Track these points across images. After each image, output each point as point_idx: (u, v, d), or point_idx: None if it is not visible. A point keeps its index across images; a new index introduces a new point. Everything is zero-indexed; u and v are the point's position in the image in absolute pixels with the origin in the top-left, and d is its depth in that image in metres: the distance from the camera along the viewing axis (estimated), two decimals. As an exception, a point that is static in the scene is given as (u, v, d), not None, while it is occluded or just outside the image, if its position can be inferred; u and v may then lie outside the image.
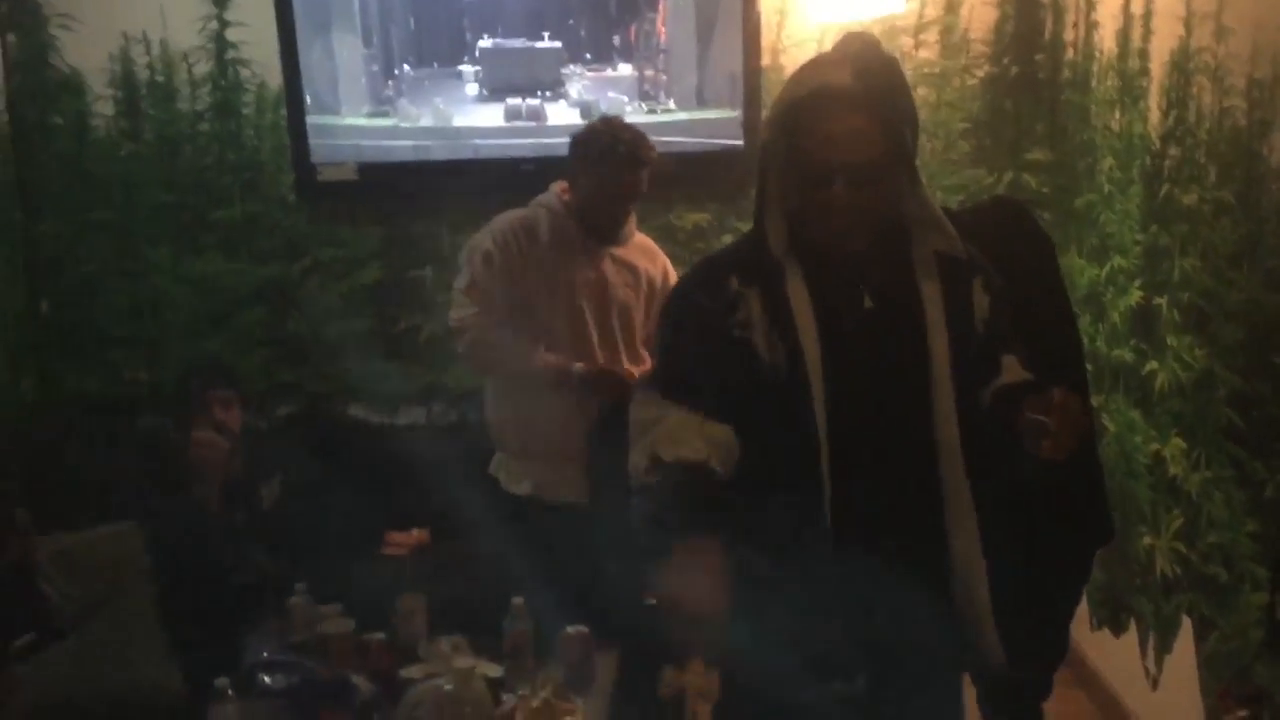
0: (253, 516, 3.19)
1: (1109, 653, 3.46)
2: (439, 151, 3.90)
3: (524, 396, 2.97)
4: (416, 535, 3.72)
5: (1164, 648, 3.05)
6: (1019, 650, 1.84)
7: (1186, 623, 2.91)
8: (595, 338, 2.96)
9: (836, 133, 1.69)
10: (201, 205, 3.90)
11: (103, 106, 3.85)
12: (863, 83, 1.70)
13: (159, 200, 3.88)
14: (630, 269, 3.04)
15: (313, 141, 3.85)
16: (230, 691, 2.19)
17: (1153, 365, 3.04)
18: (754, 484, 1.78)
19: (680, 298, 1.93)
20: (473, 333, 2.92)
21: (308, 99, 3.83)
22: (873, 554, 1.77)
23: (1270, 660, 2.49)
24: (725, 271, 1.82)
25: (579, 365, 2.90)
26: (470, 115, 3.91)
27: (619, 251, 3.03)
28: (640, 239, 3.11)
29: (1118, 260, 3.29)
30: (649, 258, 3.10)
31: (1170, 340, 2.93)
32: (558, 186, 3.01)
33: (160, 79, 3.84)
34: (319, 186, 3.88)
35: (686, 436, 1.74)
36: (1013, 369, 1.81)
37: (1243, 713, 2.60)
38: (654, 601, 1.82)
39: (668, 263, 3.15)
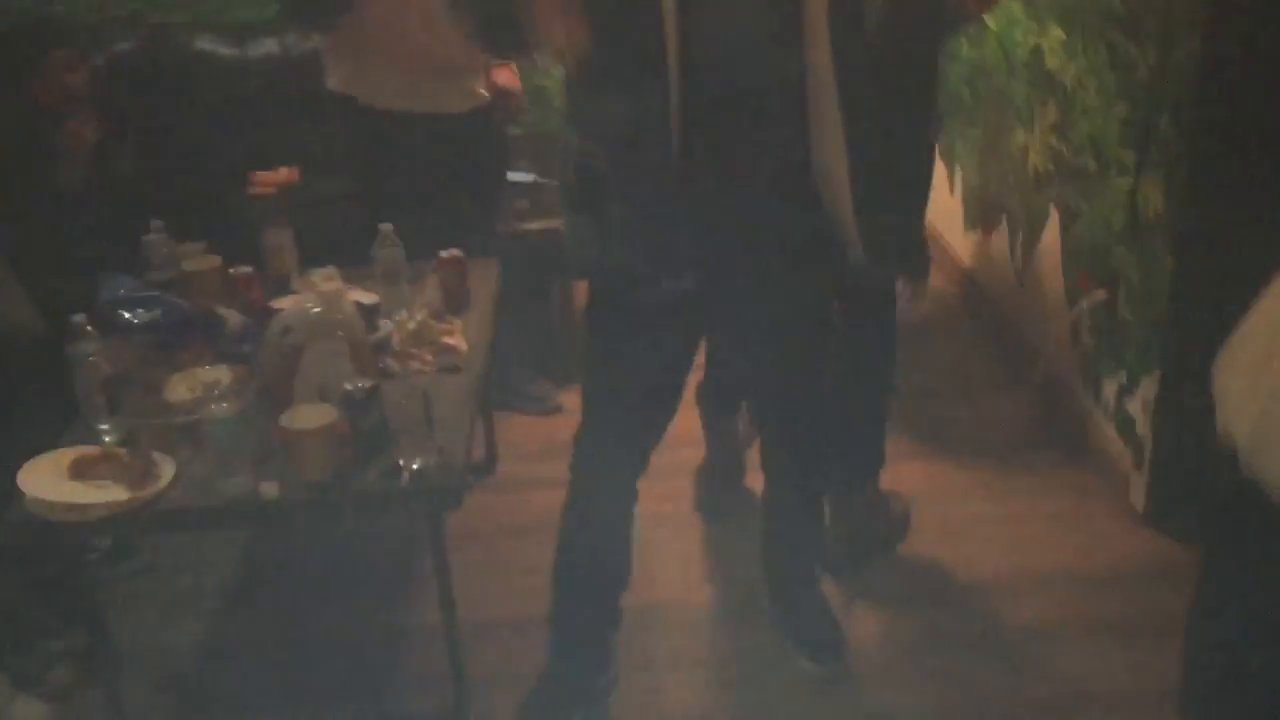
0: (107, 180, 2.98)
1: (978, 253, 3.55)
2: None
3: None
4: (284, 173, 3.56)
5: (1032, 242, 3.13)
6: (878, 247, 1.84)
7: (1053, 216, 2.98)
8: None
9: None
10: None
11: None
12: None
13: None
14: None
15: None
16: (90, 328, 2.12)
17: (1035, -47, 2.93)
18: (599, 83, 1.69)
19: None
20: None
21: None
22: (726, 147, 1.71)
23: (1128, 242, 2.56)
24: None
25: None
26: None
27: None
28: None
29: None
30: None
31: (1054, -77, 2.81)
32: None
33: None
34: None
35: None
36: None
37: (1100, 292, 2.70)
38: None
39: None
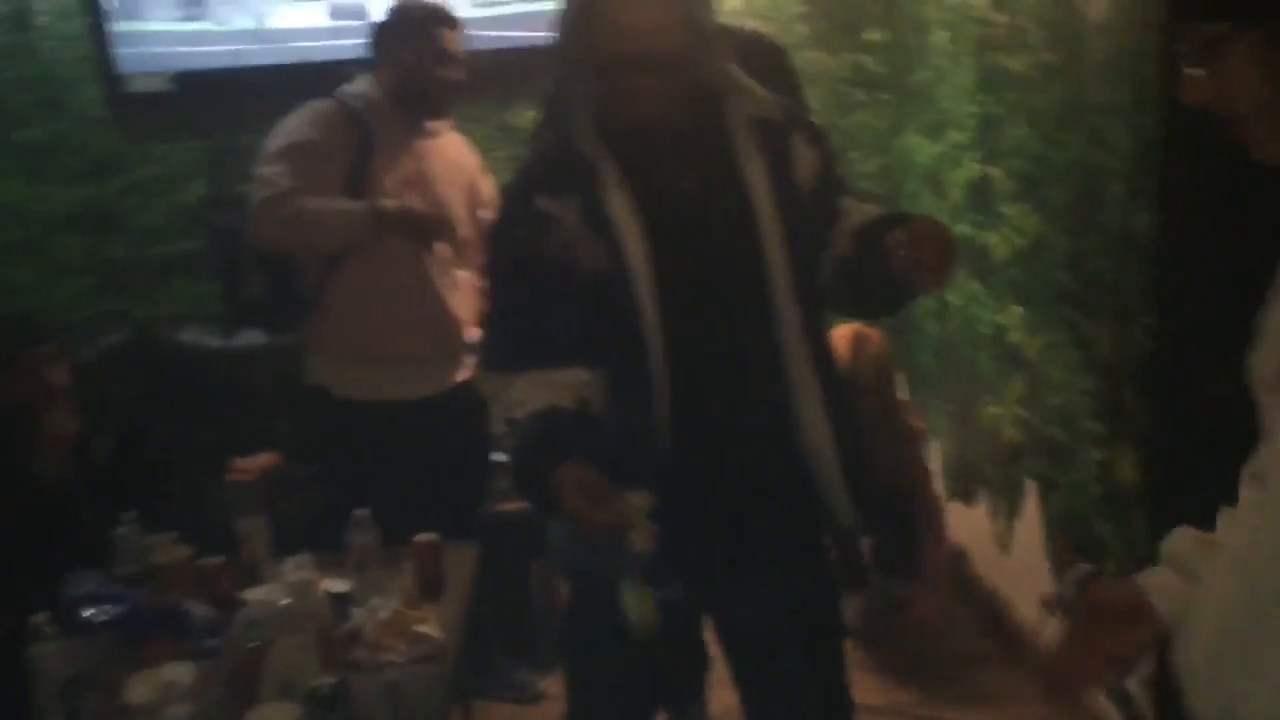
0: (85, 473, 2.98)
1: (961, 524, 3.54)
2: (258, 56, 3.68)
3: (367, 292, 2.83)
4: (265, 459, 3.58)
5: (1012, 513, 3.13)
6: (870, 510, 1.84)
7: (1031, 486, 2.98)
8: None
9: (632, 24, 1.62)
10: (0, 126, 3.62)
11: (-122, 21, 3.53)
12: None
13: (-49, 124, 3.59)
14: (453, 163, 2.93)
15: (119, 50, 3.60)
16: (49, 629, 2.06)
17: (990, 236, 3.07)
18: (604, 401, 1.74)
19: (494, 242, 1.86)
20: (288, 203, 2.68)
21: (112, 3, 3.57)
22: (714, 449, 1.73)
23: (1109, 513, 2.55)
24: (531, 192, 1.74)
25: (389, 200, 2.74)
26: (289, 15, 3.69)
27: (438, 143, 2.91)
28: (455, 135, 3.00)
29: (954, 135, 3.30)
30: (466, 152, 3.03)
31: (1005, 209, 2.96)
32: (365, 79, 2.87)
33: (-60, -11, 3.54)
34: (129, 99, 3.63)
35: (535, 394, 1.69)
36: (856, 210, 1.79)
37: (1086, 566, 2.67)
38: (580, 540, 1.74)
39: (479, 160, 3.07)
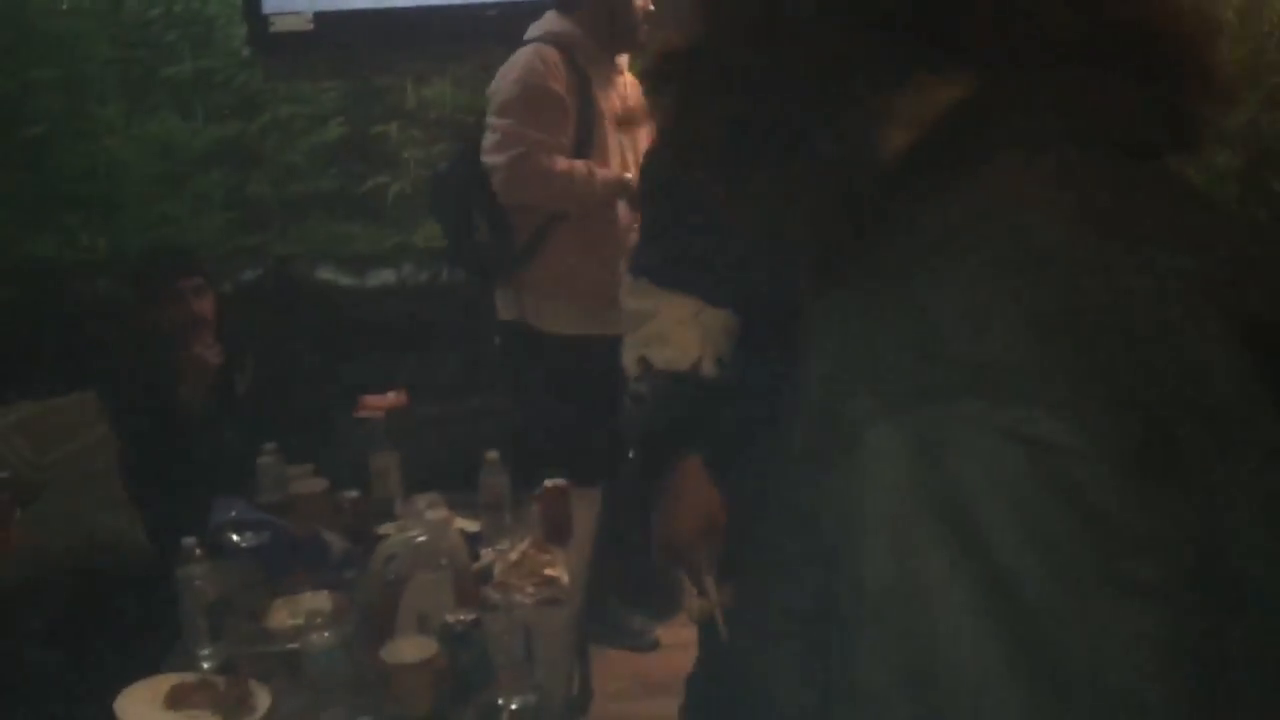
0: (227, 404, 3.08)
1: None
2: (398, -3, 3.71)
3: (588, 242, 2.89)
4: (393, 398, 3.64)
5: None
6: None
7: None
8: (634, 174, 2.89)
9: None
10: (150, 61, 3.71)
11: (41, -42, 3.64)
12: None
13: (106, 56, 3.68)
14: (639, 97, 2.95)
15: (265, -12, 3.66)
16: (198, 551, 2.13)
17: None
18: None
19: (653, 167, 1.83)
20: (537, 161, 2.76)
21: (259, -58, 3.63)
22: None
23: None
24: None
25: (630, 175, 2.83)
26: (429, -43, 3.70)
27: (628, 79, 2.93)
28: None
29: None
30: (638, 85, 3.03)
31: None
32: (552, 18, 2.86)
33: (98, -74, 3.62)
34: (273, 38, 3.69)
35: (678, 335, 1.68)
36: None
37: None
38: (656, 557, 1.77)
39: None
